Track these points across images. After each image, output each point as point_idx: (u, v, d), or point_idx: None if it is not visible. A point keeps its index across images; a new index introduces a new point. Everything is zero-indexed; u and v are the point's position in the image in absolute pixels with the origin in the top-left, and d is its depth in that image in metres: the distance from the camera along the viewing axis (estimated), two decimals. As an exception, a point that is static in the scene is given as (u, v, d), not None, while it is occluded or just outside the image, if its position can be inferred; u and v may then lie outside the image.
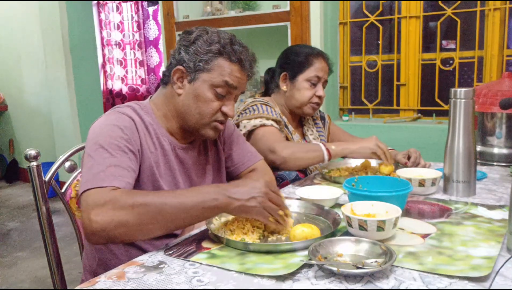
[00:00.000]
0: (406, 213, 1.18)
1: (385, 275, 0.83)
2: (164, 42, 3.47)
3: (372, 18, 2.93)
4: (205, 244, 1.00)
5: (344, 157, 1.73)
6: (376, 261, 0.86)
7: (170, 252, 0.96)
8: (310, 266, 0.87)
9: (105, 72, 5.62)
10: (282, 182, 1.67)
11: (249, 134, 1.64)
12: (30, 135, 4.78)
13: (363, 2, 2.97)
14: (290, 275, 0.84)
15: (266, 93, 1.88)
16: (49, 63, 4.21)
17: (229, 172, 1.41)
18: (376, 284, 0.80)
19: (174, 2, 3.32)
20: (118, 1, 5.34)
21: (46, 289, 2.53)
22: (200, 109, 1.19)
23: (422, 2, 2.76)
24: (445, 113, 2.78)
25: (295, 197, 1.30)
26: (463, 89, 1.31)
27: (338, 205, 1.19)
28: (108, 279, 0.86)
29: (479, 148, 1.95)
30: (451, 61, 2.78)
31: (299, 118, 1.88)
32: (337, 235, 1.01)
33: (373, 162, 1.67)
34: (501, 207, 1.21)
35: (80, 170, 1.34)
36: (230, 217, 1.09)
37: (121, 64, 5.51)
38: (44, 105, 4.52)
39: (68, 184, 1.33)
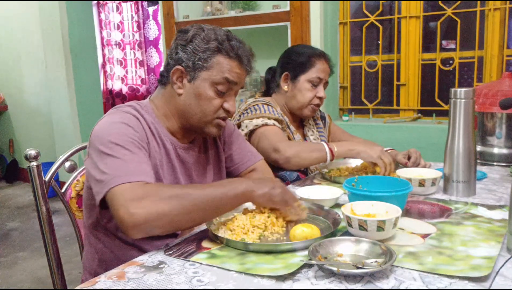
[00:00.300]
0: (406, 213, 1.18)
1: (385, 275, 0.83)
2: (164, 42, 3.47)
3: (372, 18, 2.93)
4: (205, 244, 1.00)
5: (344, 157, 1.73)
6: (376, 261, 0.86)
7: (170, 252, 0.96)
8: (310, 266, 0.87)
9: (105, 72, 5.62)
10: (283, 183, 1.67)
11: (251, 134, 1.64)
12: (30, 135, 4.78)
13: (363, 2, 2.97)
14: (290, 275, 0.84)
15: (267, 92, 1.88)
16: (49, 63, 4.21)
17: (229, 172, 1.41)
18: (376, 284, 0.80)
19: (174, 2, 3.32)
20: (118, 1, 5.34)
21: (46, 289, 2.53)
22: (202, 107, 1.18)
23: (422, 2, 2.76)
24: (445, 113, 2.78)
25: (295, 197, 1.30)
26: (463, 89, 1.31)
27: (338, 205, 1.19)
28: (108, 279, 0.86)
29: (479, 148, 1.95)
30: (451, 61, 2.78)
31: (300, 119, 1.88)
32: (337, 235, 1.01)
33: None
34: (501, 207, 1.21)
35: (80, 170, 1.35)
36: (230, 217, 1.09)
37: (121, 64, 5.51)
38: (44, 105, 4.52)
39: (68, 184, 1.33)
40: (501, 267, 0.85)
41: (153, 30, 5.23)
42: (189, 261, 0.92)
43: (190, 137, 1.28)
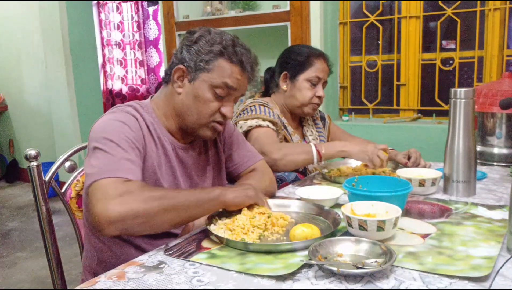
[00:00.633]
0: (406, 213, 1.18)
1: (385, 275, 0.83)
2: (164, 42, 3.47)
3: (372, 18, 2.93)
4: (205, 244, 1.00)
5: (344, 157, 1.73)
6: (376, 261, 0.86)
7: (170, 252, 0.96)
8: (310, 266, 0.87)
9: (105, 72, 5.62)
10: (281, 183, 1.67)
11: (245, 135, 1.64)
12: (30, 135, 4.78)
13: (363, 2, 2.97)
14: (290, 275, 0.84)
15: (266, 92, 1.88)
16: (49, 63, 4.21)
17: (229, 172, 1.41)
18: (376, 284, 0.80)
19: (174, 2, 3.32)
20: (118, 1, 5.34)
21: (46, 289, 2.53)
22: (198, 109, 1.18)
23: (422, 2, 2.76)
24: (445, 113, 2.78)
25: (295, 197, 1.30)
26: (463, 89, 1.31)
27: (338, 205, 1.19)
28: (108, 279, 0.86)
29: (479, 148, 1.95)
30: (451, 61, 2.78)
31: (299, 118, 1.88)
32: (337, 235, 1.01)
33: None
34: (501, 207, 1.21)
35: (80, 170, 1.34)
36: (230, 216, 1.09)
37: (121, 64, 5.51)
38: (44, 105, 4.52)
39: (68, 184, 1.33)
40: (501, 267, 0.85)
41: (153, 30, 5.23)
42: (189, 261, 0.92)
43: (189, 137, 1.28)
